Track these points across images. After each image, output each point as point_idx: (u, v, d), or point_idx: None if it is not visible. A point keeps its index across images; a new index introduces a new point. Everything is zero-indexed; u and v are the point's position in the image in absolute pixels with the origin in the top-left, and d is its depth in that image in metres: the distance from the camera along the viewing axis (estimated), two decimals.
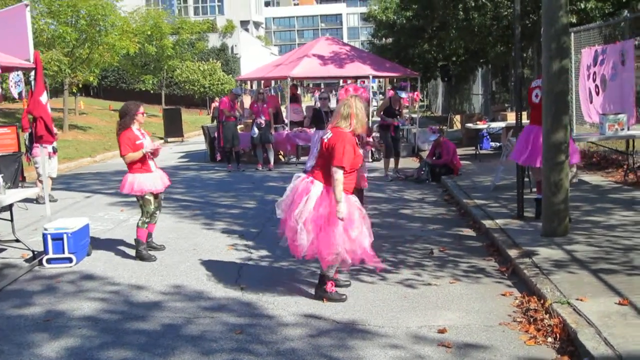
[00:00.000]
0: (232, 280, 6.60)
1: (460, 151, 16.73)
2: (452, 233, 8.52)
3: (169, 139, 26.62)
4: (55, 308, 5.90)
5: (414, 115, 20.31)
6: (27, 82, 7.88)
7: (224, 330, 5.22)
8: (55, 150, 12.06)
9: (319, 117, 14.47)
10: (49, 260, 7.29)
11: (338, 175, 5.58)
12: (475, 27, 15.62)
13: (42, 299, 6.19)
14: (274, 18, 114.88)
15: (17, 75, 7.18)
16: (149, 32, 32.29)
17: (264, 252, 7.71)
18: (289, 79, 16.63)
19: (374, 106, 39.60)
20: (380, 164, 16.10)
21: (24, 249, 7.84)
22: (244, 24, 61.07)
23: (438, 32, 18.63)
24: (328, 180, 5.66)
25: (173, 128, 26.89)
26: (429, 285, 6.29)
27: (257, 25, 65.32)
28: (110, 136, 26.23)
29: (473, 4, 14.93)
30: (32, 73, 7.61)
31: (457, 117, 22.18)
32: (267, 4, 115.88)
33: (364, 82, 18.09)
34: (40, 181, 11.88)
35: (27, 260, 7.58)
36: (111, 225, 9.63)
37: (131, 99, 30.88)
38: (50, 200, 11.88)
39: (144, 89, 36.82)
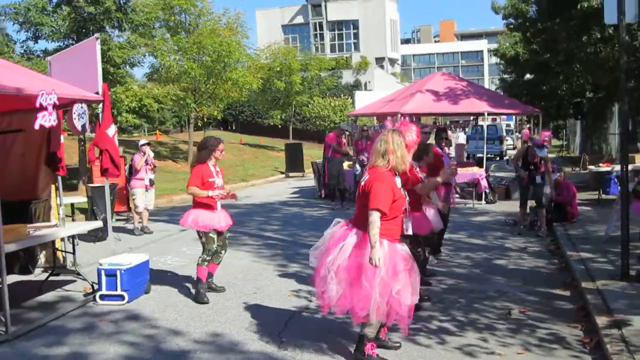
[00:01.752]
0: (276, 332, 6.05)
1: (584, 195, 15.34)
2: (542, 291, 7.50)
3: (290, 174, 26.74)
4: (83, 350, 5.63)
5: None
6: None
7: None
8: (152, 183, 12.16)
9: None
10: (102, 297, 7.11)
11: (373, 217, 4.91)
12: (604, 61, 14.27)
13: (76, 338, 5.96)
14: (414, 55, 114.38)
15: (81, 107, 7.11)
16: (278, 69, 32.89)
17: None
18: (399, 115, 16.01)
19: (509, 145, 38.00)
20: (492, 207, 15.09)
21: (93, 282, 7.72)
22: (379, 60, 61.23)
23: (563, 66, 17.32)
24: (367, 228, 4.98)
25: (294, 163, 26.99)
26: (491, 355, 5.43)
27: (392, 62, 65.25)
28: (234, 169, 26.77)
29: (599, 36, 13.61)
30: (100, 106, 7.53)
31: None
32: (407, 41, 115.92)
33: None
34: (137, 213, 12.05)
35: (86, 295, 7.45)
36: (187, 261, 9.42)
37: (262, 134, 31.83)
38: (145, 232, 12.07)
39: (272, 123, 37.51)
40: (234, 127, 52.41)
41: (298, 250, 10.17)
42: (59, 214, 8.50)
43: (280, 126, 38.99)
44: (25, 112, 7.55)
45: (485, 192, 15.82)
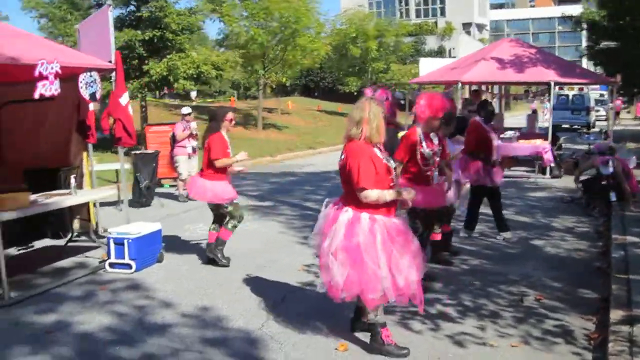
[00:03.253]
0: (269, 308, 5.88)
1: None
2: (569, 277, 6.97)
3: None
4: (69, 319, 5.64)
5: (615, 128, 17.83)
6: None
7: None
8: (194, 150, 12.16)
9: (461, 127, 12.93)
10: (111, 265, 7.13)
11: (369, 198, 4.62)
12: None
13: (69, 306, 5.99)
14: (507, 20, 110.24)
15: (90, 76, 7.07)
16: (353, 35, 32.37)
17: None
18: (459, 84, 15.36)
19: (601, 116, 35.78)
20: (555, 182, 14.30)
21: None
22: (466, 26, 59.39)
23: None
24: (358, 205, 4.71)
25: None
26: (482, 346, 5.05)
27: (480, 27, 63.21)
28: (303, 137, 26.69)
29: None
30: (113, 74, 7.48)
31: None
32: (501, 6, 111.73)
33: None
34: (181, 180, 12.12)
35: (101, 262, 7.50)
36: None
37: (343, 100, 31.68)
38: (190, 199, 12.07)
39: (347, 90, 37.08)
40: (315, 94, 52.29)
41: None
42: (71, 182, 8.50)
43: (356, 93, 38.43)
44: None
45: (550, 167, 14.99)
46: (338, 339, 5.12)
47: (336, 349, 4.95)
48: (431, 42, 52.00)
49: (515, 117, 36.09)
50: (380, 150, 4.86)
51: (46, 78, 6.22)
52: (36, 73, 6.14)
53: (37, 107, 8.80)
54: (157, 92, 19.92)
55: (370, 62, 34.51)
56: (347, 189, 4.83)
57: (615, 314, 5.40)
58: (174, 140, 12.09)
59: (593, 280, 6.85)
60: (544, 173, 14.96)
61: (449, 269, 7.29)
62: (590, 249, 8.25)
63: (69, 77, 7.12)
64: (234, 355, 4.84)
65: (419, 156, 6.33)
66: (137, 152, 12.52)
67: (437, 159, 6.46)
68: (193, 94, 39.18)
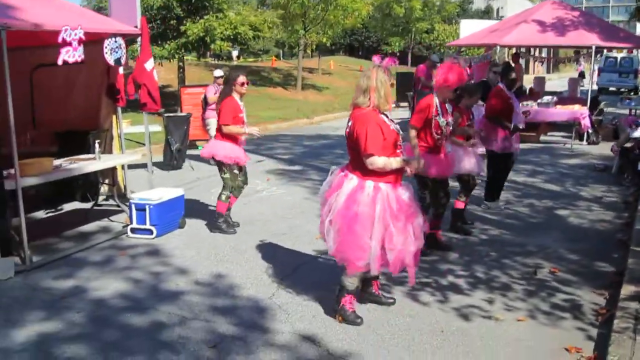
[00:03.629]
0: (282, 277, 5.97)
1: None
2: (588, 248, 6.88)
3: (401, 104, 26.09)
4: (86, 284, 5.80)
5: None
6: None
7: (199, 341, 4.62)
8: None
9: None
10: (133, 230, 7.29)
11: (375, 164, 4.65)
12: None
13: (87, 271, 6.16)
14: None
15: (115, 41, 7.15)
16: None
17: None
18: (498, 47, 15.04)
19: None
20: (592, 149, 13.97)
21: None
22: None
23: None
24: (364, 172, 4.76)
25: (406, 92, 26.22)
26: (488, 319, 5.05)
27: None
28: (342, 97, 26.57)
29: None
30: (139, 39, 7.56)
31: None
32: None
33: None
34: None
35: (124, 226, 7.67)
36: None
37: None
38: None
39: (391, 50, 36.61)
40: (360, 53, 51.88)
41: None
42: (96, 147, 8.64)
43: (399, 53, 38.03)
44: (88, 44, 7.69)
45: (588, 132, 14.62)
46: None
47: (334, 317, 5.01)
48: (478, 2, 50.78)
49: (562, 79, 35.21)
50: (388, 117, 4.85)
51: (70, 44, 6.30)
52: (59, 39, 6.23)
53: (69, 71, 8.95)
54: (197, 52, 19.91)
55: (414, 22, 33.95)
56: (353, 156, 4.87)
57: (627, 290, 5.32)
58: (205, 103, 12.15)
59: (613, 253, 6.76)
60: (581, 139, 14.63)
61: (467, 238, 7.28)
62: (615, 220, 8.10)
63: (98, 40, 7.23)
64: (240, 324, 4.93)
65: (433, 124, 6.31)
66: (169, 114, 12.65)
67: (450, 128, 6.47)
68: (234, 54, 39.21)
